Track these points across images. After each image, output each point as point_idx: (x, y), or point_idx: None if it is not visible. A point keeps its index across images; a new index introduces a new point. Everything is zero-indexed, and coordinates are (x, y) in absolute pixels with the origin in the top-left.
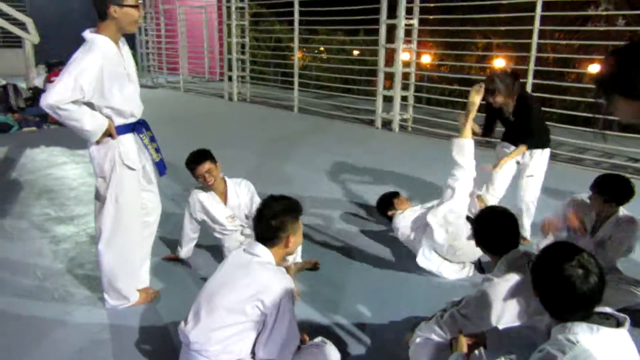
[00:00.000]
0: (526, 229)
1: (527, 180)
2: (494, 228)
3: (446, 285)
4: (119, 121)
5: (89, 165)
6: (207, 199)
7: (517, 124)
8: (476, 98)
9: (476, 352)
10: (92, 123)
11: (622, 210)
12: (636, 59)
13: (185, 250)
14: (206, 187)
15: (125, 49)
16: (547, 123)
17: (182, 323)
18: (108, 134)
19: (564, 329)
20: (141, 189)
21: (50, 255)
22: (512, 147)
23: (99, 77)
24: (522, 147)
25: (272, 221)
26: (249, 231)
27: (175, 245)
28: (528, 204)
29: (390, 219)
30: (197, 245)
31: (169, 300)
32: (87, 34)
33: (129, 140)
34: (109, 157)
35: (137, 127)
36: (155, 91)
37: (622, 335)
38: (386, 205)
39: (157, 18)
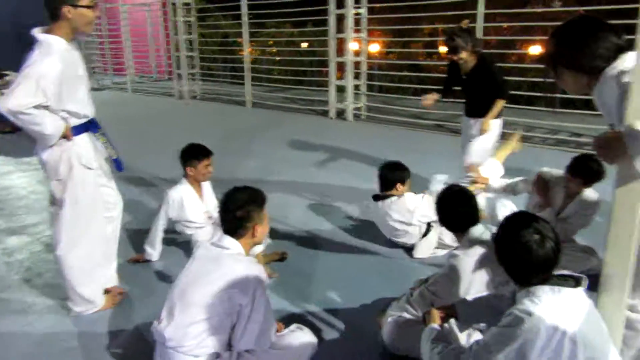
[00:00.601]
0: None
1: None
2: (454, 207)
3: (411, 266)
4: (73, 122)
5: (36, 172)
6: (188, 195)
7: (476, 83)
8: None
9: (446, 325)
10: (52, 126)
11: (588, 189)
12: (574, 34)
13: (158, 252)
14: (196, 181)
15: (76, 50)
16: None
17: (156, 322)
18: (64, 136)
19: (527, 292)
20: (101, 186)
21: (4, 267)
22: (473, 120)
23: (58, 81)
24: (501, 102)
25: (237, 212)
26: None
27: (139, 246)
28: None
29: (381, 198)
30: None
31: (137, 301)
32: (39, 34)
33: (84, 140)
34: (64, 159)
35: (90, 126)
36: (102, 93)
37: (580, 294)
38: (391, 183)
39: (99, 17)
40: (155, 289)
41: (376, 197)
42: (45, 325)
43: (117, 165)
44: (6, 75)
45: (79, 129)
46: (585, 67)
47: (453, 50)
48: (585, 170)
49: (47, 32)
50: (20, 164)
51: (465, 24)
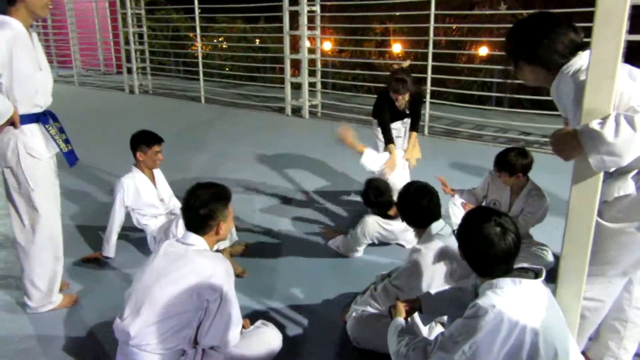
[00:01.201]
0: None
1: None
2: (416, 202)
3: (371, 262)
4: (22, 110)
5: None
6: (141, 182)
7: (410, 115)
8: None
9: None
10: (1, 105)
11: (531, 183)
12: (534, 29)
13: (113, 246)
14: (148, 168)
15: (35, 37)
16: (444, 103)
17: (118, 319)
18: (10, 122)
19: (490, 285)
20: (53, 178)
21: None
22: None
23: (8, 56)
24: (415, 134)
25: (200, 210)
26: (171, 215)
27: (90, 242)
28: None
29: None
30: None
31: (93, 300)
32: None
33: (32, 131)
34: (10, 147)
35: (43, 117)
36: None
37: (539, 285)
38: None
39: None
40: (112, 287)
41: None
42: None
43: (68, 159)
44: None
45: (27, 118)
46: (544, 62)
47: (402, 91)
48: (505, 163)
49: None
50: None
51: (407, 64)
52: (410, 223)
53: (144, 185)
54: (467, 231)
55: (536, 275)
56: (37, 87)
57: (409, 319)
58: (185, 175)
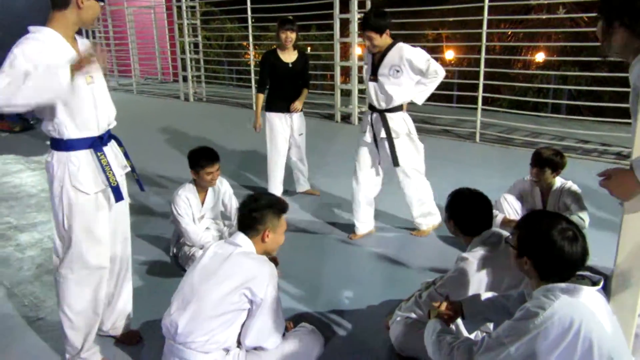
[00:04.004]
0: (302, 184)
1: (301, 138)
2: (470, 210)
3: (418, 269)
4: (70, 134)
5: (46, 172)
6: (192, 196)
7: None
8: None
9: (452, 326)
10: (45, 80)
11: (559, 179)
12: None
13: (207, 235)
14: (200, 186)
15: (84, 43)
16: (497, 110)
17: (165, 316)
18: (80, 66)
19: (545, 289)
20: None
21: (17, 263)
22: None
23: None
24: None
25: (252, 212)
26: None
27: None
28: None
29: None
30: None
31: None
32: (33, 28)
33: (80, 159)
34: (58, 176)
35: (96, 143)
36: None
37: (595, 293)
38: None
39: (105, 20)
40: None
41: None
42: (55, 319)
43: (140, 185)
44: None
45: (77, 144)
46: None
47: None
48: (548, 160)
49: (46, 24)
50: (31, 162)
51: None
52: (462, 230)
53: (192, 202)
54: (534, 237)
55: (594, 283)
56: (87, 109)
57: (452, 325)
58: (237, 181)
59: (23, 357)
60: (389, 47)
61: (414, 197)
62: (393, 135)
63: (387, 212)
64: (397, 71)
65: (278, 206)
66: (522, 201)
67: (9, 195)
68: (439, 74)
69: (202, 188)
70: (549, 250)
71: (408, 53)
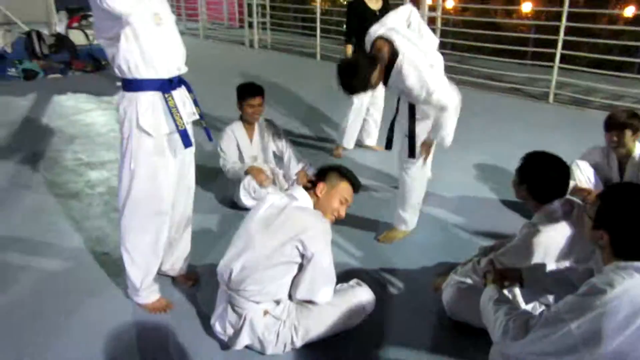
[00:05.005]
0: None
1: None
2: (544, 173)
3: (474, 234)
4: (141, 73)
5: (116, 112)
6: (238, 129)
7: None
8: None
9: (507, 292)
10: None
11: (637, 144)
12: None
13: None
14: (246, 121)
15: None
16: (575, 68)
17: (221, 262)
18: None
19: (617, 266)
20: (164, 169)
21: (87, 198)
22: None
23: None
24: None
25: (322, 169)
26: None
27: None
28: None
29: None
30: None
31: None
32: None
33: (149, 100)
34: (127, 117)
35: (164, 85)
36: None
37: None
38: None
39: None
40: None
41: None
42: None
43: (208, 134)
44: (90, 15)
45: (145, 85)
46: None
47: None
48: (628, 122)
49: None
50: (101, 102)
51: None
52: (530, 194)
53: (240, 138)
54: (619, 210)
55: None
56: (154, 46)
57: (508, 293)
58: (299, 132)
59: (89, 288)
60: (390, 65)
61: None
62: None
63: (444, 176)
64: (409, 95)
65: (344, 171)
66: (596, 170)
67: (80, 132)
68: (446, 106)
69: (248, 124)
70: (631, 227)
71: (404, 78)
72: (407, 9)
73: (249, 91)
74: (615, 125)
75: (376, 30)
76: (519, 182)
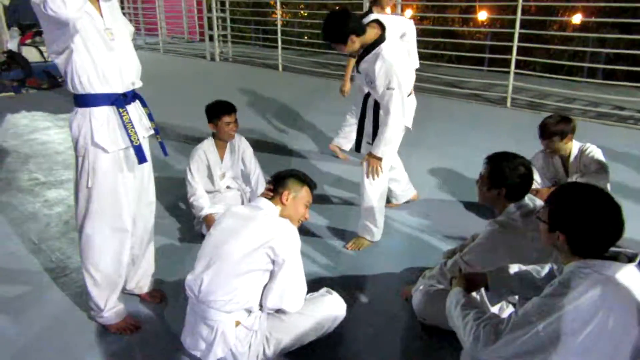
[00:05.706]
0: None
1: None
2: (510, 169)
3: (441, 239)
4: (94, 88)
5: None
6: (211, 150)
7: None
8: None
9: (475, 295)
10: None
11: (577, 143)
12: None
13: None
14: (221, 139)
15: (110, 3)
16: (529, 73)
17: (189, 275)
18: None
19: (577, 265)
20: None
21: (45, 219)
22: None
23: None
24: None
25: (279, 177)
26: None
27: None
28: None
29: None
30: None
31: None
32: None
33: (102, 115)
34: (82, 133)
35: (118, 100)
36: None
37: (633, 270)
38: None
39: None
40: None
41: None
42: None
43: (163, 148)
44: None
45: (100, 100)
46: None
47: None
48: (554, 129)
49: None
50: (58, 119)
51: None
52: (505, 196)
53: (211, 157)
54: (570, 210)
55: (630, 259)
56: (108, 61)
57: (476, 295)
58: (262, 147)
59: (49, 312)
60: (371, 47)
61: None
62: None
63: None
64: (371, 82)
65: (303, 178)
66: (543, 172)
67: (36, 151)
68: (391, 110)
69: (222, 142)
70: (585, 225)
71: (377, 61)
72: (405, 21)
73: (223, 109)
74: (544, 134)
75: (375, 16)
76: (488, 182)
